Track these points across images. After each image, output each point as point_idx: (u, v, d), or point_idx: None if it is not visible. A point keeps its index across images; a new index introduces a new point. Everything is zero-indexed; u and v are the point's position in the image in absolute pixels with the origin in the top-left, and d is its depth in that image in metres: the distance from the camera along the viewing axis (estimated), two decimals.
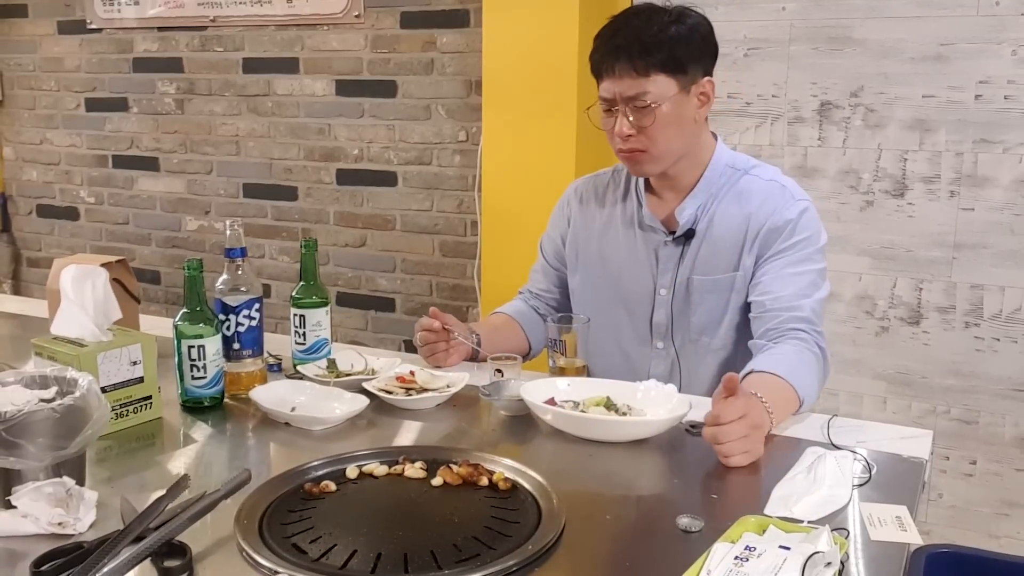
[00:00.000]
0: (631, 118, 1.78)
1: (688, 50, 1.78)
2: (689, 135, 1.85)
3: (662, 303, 1.92)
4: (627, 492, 1.43)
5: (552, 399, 1.64)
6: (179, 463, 1.52)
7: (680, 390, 1.85)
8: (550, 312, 2.11)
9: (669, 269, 1.91)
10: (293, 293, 1.92)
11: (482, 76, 3.07)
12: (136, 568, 1.09)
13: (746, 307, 1.86)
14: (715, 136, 1.93)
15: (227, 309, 1.75)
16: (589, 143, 3.00)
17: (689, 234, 1.88)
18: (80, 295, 1.63)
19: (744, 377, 1.66)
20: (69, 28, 4.11)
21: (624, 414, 1.60)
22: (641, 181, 1.96)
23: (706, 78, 1.82)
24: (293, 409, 1.66)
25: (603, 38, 1.82)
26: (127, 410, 1.62)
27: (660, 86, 1.76)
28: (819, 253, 1.84)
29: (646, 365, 1.95)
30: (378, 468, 1.40)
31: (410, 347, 2.09)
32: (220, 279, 1.77)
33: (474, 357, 1.97)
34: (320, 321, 1.90)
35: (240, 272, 1.77)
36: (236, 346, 1.76)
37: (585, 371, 1.86)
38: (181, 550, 1.14)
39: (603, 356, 1.98)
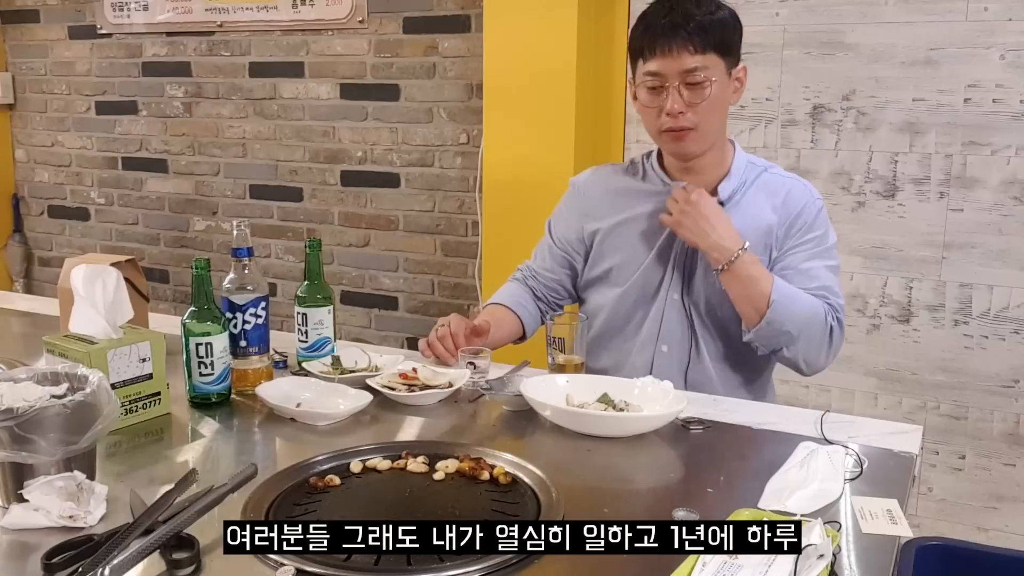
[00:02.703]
0: (684, 95, 1.81)
1: (732, 36, 1.85)
2: (725, 119, 1.92)
3: (680, 258, 1.95)
4: (625, 486, 1.45)
5: None
6: (187, 458, 1.53)
7: (691, 347, 1.93)
8: (547, 293, 2.13)
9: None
10: (298, 292, 1.93)
11: (483, 80, 3.11)
12: (145, 560, 1.10)
13: None
14: (733, 143, 1.99)
15: (234, 307, 1.77)
16: (587, 144, 3.04)
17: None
18: (91, 294, 1.63)
19: None
20: (80, 33, 4.15)
21: (621, 410, 1.62)
22: (660, 169, 1.99)
23: (740, 64, 1.89)
24: (298, 405, 1.67)
25: (653, 17, 1.84)
26: (136, 406, 1.63)
27: (713, 64, 1.81)
28: (831, 250, 1.93)
29: (660, 316, 1.97)
30: (381, 462, 1.42)
31: (412, 344, 2.12)
32: (227, 278, 1.79)
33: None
34: (322, 320, 1.92)
35: (247, 271, 1.78)
36: (243, 343, 1.78)
37: (583, 368, 1.88)
38: (189, 543, 1.15)
39: (626, 311, 2.01)
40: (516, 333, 2.10)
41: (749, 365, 1.98)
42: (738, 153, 1.98)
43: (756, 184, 1.95)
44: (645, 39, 1.84)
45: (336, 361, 1.89)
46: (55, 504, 1.24)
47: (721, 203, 1.91)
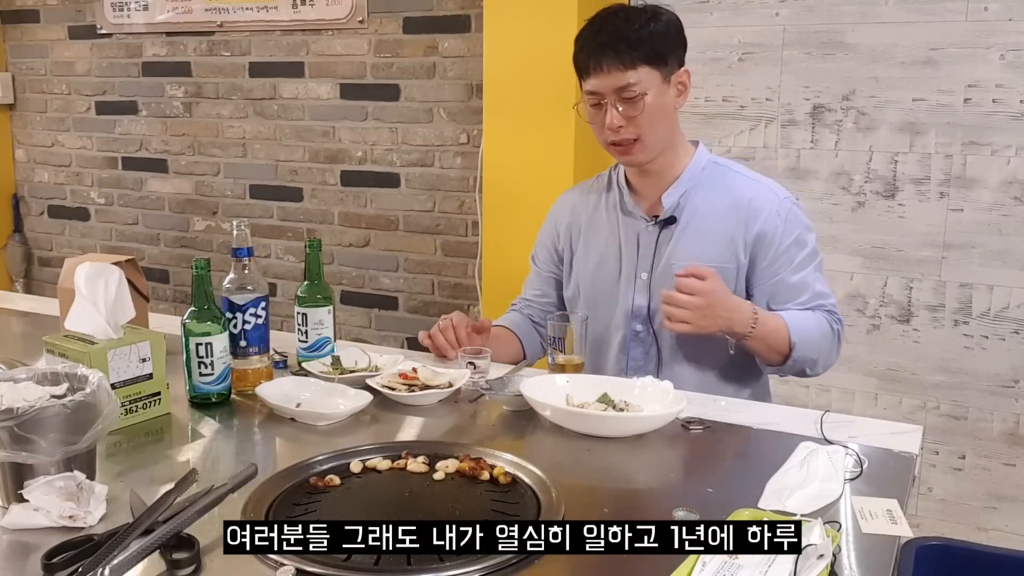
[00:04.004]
0: (620, 109, 1.86)
1: (666, 43, 1.88)
2: (672, 124, 1.94)
3: (642, 287, 1.98)
4: (624, 486, 1.46)
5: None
6: (187, 458, 1.54)
7: (658, 375, 1.91)
8: (544, 318, 2.14)
9: (649, 254, 1.97)
10: (298, 292, 1.94)
11: (483, 80, 3.11)
12: (145, 560, 1.10)
13: None
14: (695, 144, 2.01)
15: (234, 307, 1.77)
16: (587, 145, 3.04)
17: (670, 220, 1.95)
18: (93, 293, 1.63)
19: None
20: (80, 33, 4.15)
21: (621, 410, 1.63)
22: (623, 174, 2.03)
23: (682, 68, 1.91)
24: (298, 405, 1.68)
25: (586, 38, 1.89)
26: (136, 406, 1.63)
27: (645, 76, 1.84)
28: (814, 252, 1.92)
29: (626, 348, 2.00)
30: (381, 462, 1.42)
31: (412, 344, 2.13)
32: (227, 278, 1.79)
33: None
34: (322, 320, 1.92)
35: (247, 271, 1.79)
36: (243, 343, 1.78)
37: (583, 367, 1.88)
38: (189, 543, 1.15)
39: (589, 339, 2.02)
40: (515, 353, 2.12)
41: (727, 386, 1.98)
42: (697, 155, 1.98)
43: (720, 183, 1.96)
44: (580, 59, 1.90)
45: (336, 361, 1.89)
46: (55, 504, 1.24)
47: (673, 219, 1.94)
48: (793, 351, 1.82)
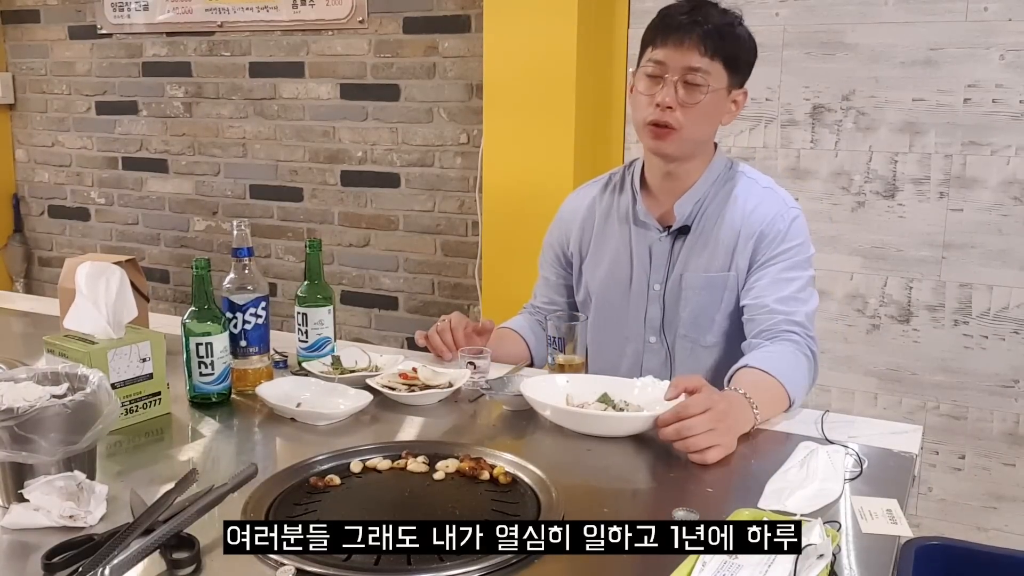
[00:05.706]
0: (679, 92, 1.81)
1: (745, 55, 1.86)
2: (711, 134, 1.91)
3: (655, 298, 1.96)
4: (624, 486, 1.46)
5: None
6: (187, 457, 1.54)
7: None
8: None
9: (662, 265, 1.95)
10: (298, 292, 1.94)
11: (483, 80, 3.11)
12: (145, 560, 1.11)
13: (739, 309, 1.90)
14: (715, 144, 1.99)
15: (234, 307, 1.77)
16: (587, 145, 3.05)
17: (683, 230, 1.93)
18: (94, 292, 1.63)
19: (735, 372, 1.71)
20: (80, 33, 4.16)
21: (621, 410, 1.63)
22: (637, 179, 2.00)
23: (743, 89, 1.89)
24: (298, 405, 1.68)
25: (677, 10, 1.84)
26: (137, 406, 1.63)
27: (716, 73, 1.81)
28: (808, 262, 1.89)
29: (639, 360, 2.00)
30: (381, 462, 1.42)
31: (412, 344, 2.13)
32: (227, 278, 1.79)
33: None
34: (322, 320, 1.92)
35: (247, 271, 1.79)
36: (243, 343, 1.79)
37: (583, 368, 1.88)
38: (189, 542, 1.15)
39: (599, 349, 2.02)
40: (521, 354, 2.11)
41: None
42: (713, 163, 1.95)
43: (731, 192, 1.93)
44: (660, 27, 1.84)
45: (336, 361, 1.90)
46: (55, 504, 1.24)
47: (686, 228, 1.93)
48: (792, 403, 1.71)
